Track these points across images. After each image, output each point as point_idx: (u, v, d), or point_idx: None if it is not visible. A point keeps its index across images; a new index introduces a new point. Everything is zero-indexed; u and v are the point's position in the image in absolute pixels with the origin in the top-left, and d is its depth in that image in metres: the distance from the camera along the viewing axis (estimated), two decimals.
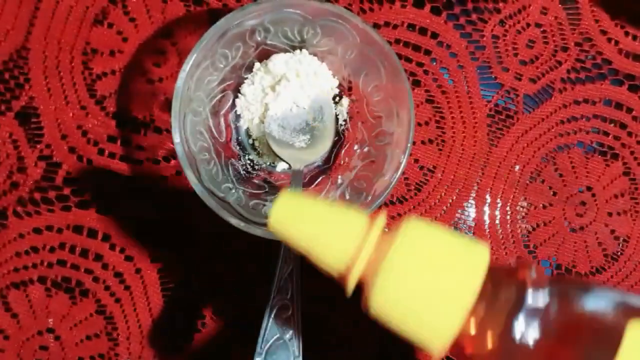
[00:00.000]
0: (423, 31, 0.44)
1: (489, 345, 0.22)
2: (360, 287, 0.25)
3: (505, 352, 0.22)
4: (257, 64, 0.41)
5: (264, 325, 0.32)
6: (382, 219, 0.25)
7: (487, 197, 0.44)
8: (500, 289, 0.23)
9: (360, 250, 0.24)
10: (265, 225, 0.37)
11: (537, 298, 0.22)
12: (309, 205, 0.26)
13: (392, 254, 0.23)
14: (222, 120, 0.41)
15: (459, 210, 0.44)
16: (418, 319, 0.23)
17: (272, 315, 0.33)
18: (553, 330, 0.22)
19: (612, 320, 0.22)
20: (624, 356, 0.21)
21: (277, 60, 0.40)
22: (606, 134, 0.45)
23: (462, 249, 0.24)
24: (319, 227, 0.25)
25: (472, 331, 0.23)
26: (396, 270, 0.23)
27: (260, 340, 0.32)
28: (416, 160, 0.44)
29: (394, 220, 0.43)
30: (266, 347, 0.32)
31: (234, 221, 0.35)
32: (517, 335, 0.21)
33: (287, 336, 0.33)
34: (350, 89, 0.42)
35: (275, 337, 0.32)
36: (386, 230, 0.26)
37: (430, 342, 0.23)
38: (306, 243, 0.25)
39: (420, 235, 0.24)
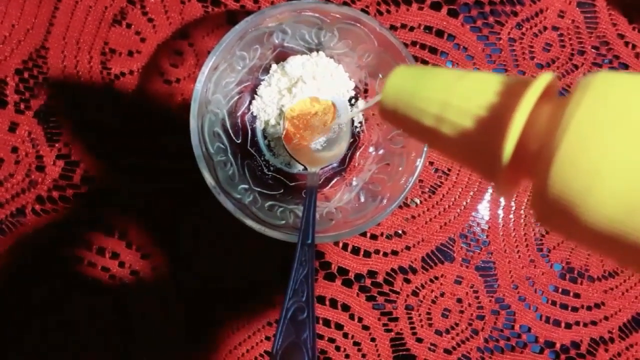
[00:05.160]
0: (440, 33, 0.44)
1: None
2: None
3: None
4: (274, 66, 0.41)
5: (279, 326, 0.33)
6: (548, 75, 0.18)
7: (501, 200, 0.44)
8: None
9: (521, 93, 0.17)
10: (281, 227, 0.37)
11: None
12: (437, 68, 0.21)
13: (584, 102, 0.15)
14: (238, 121, 0.41)
15: (473, 213, 0.44)
16: (636, 210, 0.14)
17: (288, 317, 0.33)
18: None
19: None
20: None
21: (294, 62, 0.40)
22: None
23: None
24: (458, 79, 0.19)
25: None
26: (594, 128, 0.15)
27: (275, 341, 0.32)
28: (431, 163, 0.44)
29: (409, 222, 0.43)
30: (281, 349, 0.33)
31: (249, 223, 0.36)
32: None
33: (302, 338, 0.33)
34: (366, 91, 0.42)
35: (290, 339, 0.33)
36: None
37: None
38: (440, 92, 0.19)
39: (623, 83, 0.16)
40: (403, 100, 0.20)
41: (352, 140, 0.42)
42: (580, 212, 0.15)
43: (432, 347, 0.43)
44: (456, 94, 0.19)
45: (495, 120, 0.17)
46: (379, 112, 0.22)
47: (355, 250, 0.43)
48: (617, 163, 0.14)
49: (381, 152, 0.41)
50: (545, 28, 0.44)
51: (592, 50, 0.45)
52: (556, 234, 0.17)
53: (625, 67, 0.45)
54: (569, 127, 0.15)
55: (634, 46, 0.45)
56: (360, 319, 0.43)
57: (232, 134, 0.40)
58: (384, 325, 0.43)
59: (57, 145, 0.42)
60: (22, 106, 0.42)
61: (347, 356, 0.43)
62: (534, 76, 0.18)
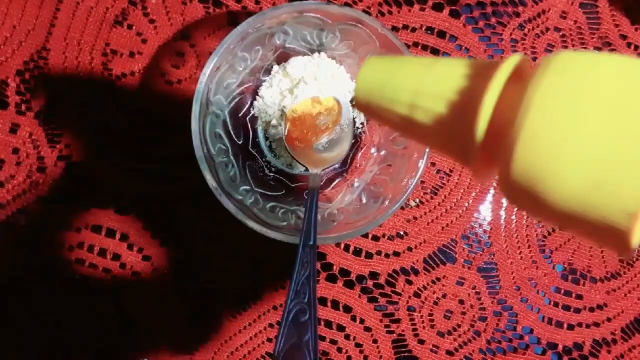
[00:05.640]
0: (442, 34, 0.44)
1: None
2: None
3: None
4: (275, 67, 0.41)
5: (281, 329, 0.32)
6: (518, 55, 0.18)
7: (504, 201, 0.44)
8: None
9: (492, 74, 0.17)
10: (283, 229, 0.37)
11: None
12: (407, 58, 0.21)
13: (545, 80, 0.16)
14: (240, 122, 0.41)
15: (475, 214, 0.43)
16: (601, 184, 0.14)
17: (290, 319, 0.33)
18: None
19: None
20: None
21: (296, 64, 0.40)
22: None
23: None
24: (428, 66, 0.19)
25: None
26: (556, 105, 0.15)
27: (277, 343, 0.32)
28: (433, 164, 0.44)
29: (413, 223, 0.43)
30: (284, 351, 0.32)
31: (251, 224, 0.35)
32: None
33: (304, 340, 0.33)
34: None
35: (292, 341, 0.33)
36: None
37: (621, 223, 0.14)
38: (411, 80, 0.19)
39: (584, 61, 0.16)
40: (376, 92, 0.20)
41: (354, 141, 0.42)
42: (546, 192, 0.15)
43: (434, 348, 0.43)
44: (427, 80, 0.19)
45: (467, 103, 0.18)
46: (355, 105, 0.22)
47: (357, 252, 0.43)
48: (578, 141, 0.14)
49: (383, 153, 0.41)
50: (547, 29, 0.44)
51: (595, 51, 0.45)
52: (527, 213, 0.17)
53: None
54: (530, 107, 0.15)
55: (636, 47, 0.45)
56: (362, 321, 0.43)
57: (233, 136, 0.40)
58: (386, 327, 0.43)
59: (58, 146, 0.42)
60: (23, 107, 0.42)
61: (349, 358, 0.43)
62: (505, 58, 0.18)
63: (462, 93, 0.18)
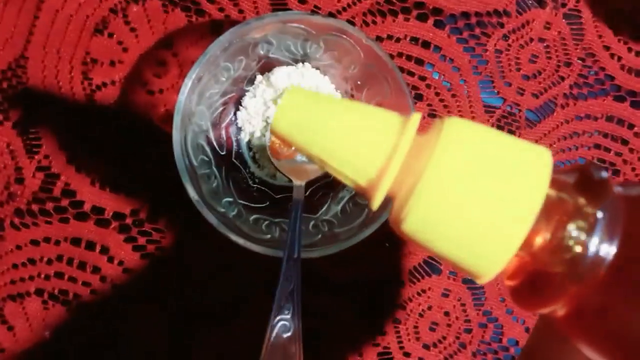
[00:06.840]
0: (426, 45, 0.44)
1: (551, 265, 0.19)
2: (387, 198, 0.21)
3: (571, 272, 0.18)
4: (259, 77, 0.40)
5: (265, 344, 0.32)
6: (416, 118, 0.20)
7: None
8: (566, 199, 0.19)
9: (389, 158, 0.20)
10: (266, 242, 0.36)
11: (615, 205, 0.18)
12: (323, 102, 0.22)
13: (431, 165, 0.19)
14: (223, 133, 0.41)
15: None
16: (465, 243, 0.19)
17: (274, 334, 0.32)
18: (634, 242, 0.18)
19: None
20: None
21: (280, 73, 0.39)
22: (608, 150, 0.45)
23: (516, 153, 0.20)
24: (337, 130, 0.21)
25: (530, 251, 0.19)
26: (437, 185, 0.19)
27: (261, 359, 0.32)
28: None
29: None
30: None
31: (234, 237, 0.35)
32: (593, 249, 0.18)
33: (289, 355, 0.32)
34: None
35: (276, 357, 0.32)
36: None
37: (479, 267, 0.19)
38: (321, 150, 0.21)
39: (465, 137, 0.20)
40: (290, 136, 0.21)
41: None
42: (424, 246, 0.20)
43: None
44: (333, 141, 0.20)
45: (370, 176, 0.20)
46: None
47: (342, 263, 0.42)
48: (453, 223, 0.19)
49: None
50: (531, 40, 0.44)
51: (578, 61, 0.45)
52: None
53: (611, 78, 0.45)
54: (420, 182, 0.19)
55: (619, 58, 0.45)
56: (347, 333, 0.42)
57: (216, 146, 0.39)
58: (371, 339, 0.42)
59: (36, 157, 0.41)
60: (0, 117, 0.41)
61: None
62: (413, 114, 0.20)
63: (367, 162, 0.20)
